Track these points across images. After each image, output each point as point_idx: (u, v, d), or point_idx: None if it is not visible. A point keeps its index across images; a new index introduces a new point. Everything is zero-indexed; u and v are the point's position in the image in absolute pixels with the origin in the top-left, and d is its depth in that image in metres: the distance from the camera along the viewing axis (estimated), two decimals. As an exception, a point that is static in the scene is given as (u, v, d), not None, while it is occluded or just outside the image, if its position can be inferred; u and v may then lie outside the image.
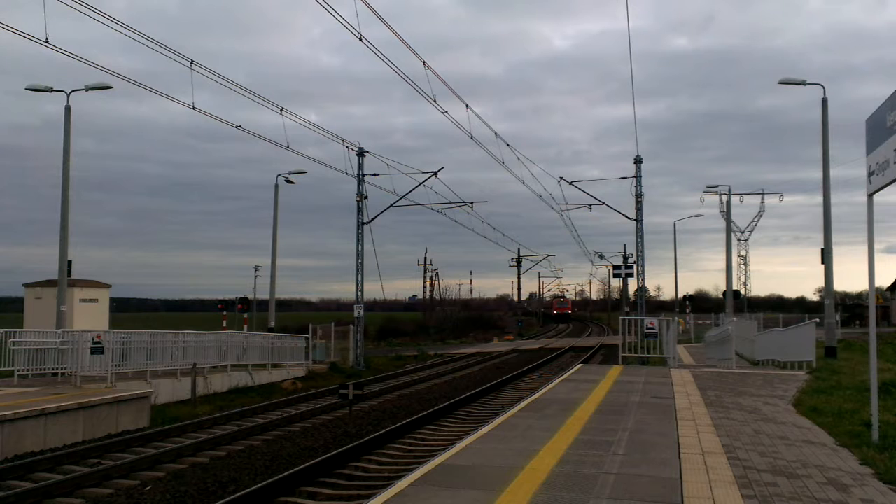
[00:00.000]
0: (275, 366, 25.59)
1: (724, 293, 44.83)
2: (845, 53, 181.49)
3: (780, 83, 25.10)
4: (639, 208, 32.90)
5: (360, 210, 33.03)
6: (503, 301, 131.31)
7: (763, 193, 66.66)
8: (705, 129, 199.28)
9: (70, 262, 21.88)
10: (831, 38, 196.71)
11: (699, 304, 66.35)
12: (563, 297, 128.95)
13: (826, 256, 24.27)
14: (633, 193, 32.75)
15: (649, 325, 21.50)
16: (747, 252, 77.46)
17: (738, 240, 74.12)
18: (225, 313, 38.87)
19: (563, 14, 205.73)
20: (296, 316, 76.74)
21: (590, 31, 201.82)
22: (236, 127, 21.60)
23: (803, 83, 24.68)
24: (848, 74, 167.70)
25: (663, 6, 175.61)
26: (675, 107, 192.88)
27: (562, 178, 33.41)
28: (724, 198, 46.13)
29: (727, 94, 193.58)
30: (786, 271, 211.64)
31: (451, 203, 34.87)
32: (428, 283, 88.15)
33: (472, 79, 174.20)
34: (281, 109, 21.42)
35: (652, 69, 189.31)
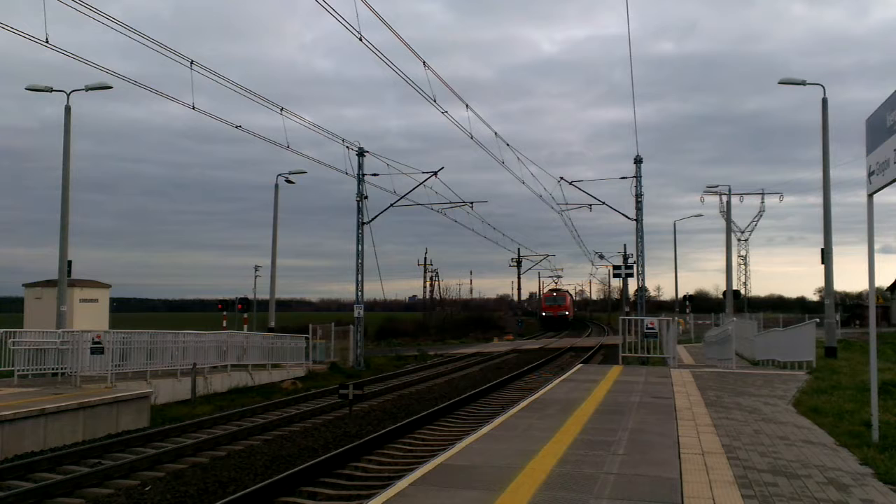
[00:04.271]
0: (275, 366, 25.59)
1: (724, 293, 44.84)
2: (829, 58, 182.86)
3: (780, 83, 25.13)
4: (639, 208, 32.91)
5: (360, 210, 33.02)
6: (503, 301, 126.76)
7: (763, 193, 66.72)
8: (695, 131, 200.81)
9: (70, 262, 21.89)
10: (815, 42, 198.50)
11: (699, 304, 66.33)
12: (559, 291, 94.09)
13: (826, 256, 24.27)
14: (633, 193, 32.77)
15: (649, 325, 21.49)
16: (747, 252, 77.45)
17: (738, 240, 74.09)
18: (225, 313, 38.87)
19: (550, 20, 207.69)
20: (296, 316, 76.69)
21: (576, 37, 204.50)
22: (236, 127, 21.60)
23: (803, 83, 24.71)
24: (832, 79, 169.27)
25: (648, 12, 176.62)
26: (665, 110, 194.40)
27: (562, 178, 33.26)
28: (724, 198, 46.20)
29: (715, 97, 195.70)
30: (784, 271, 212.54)
31: (451, 203, 34.87)
32: (428, 283, 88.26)
33: (464, 82, 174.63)
34: (281, 109, 21.41)
35: (640, 73, 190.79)
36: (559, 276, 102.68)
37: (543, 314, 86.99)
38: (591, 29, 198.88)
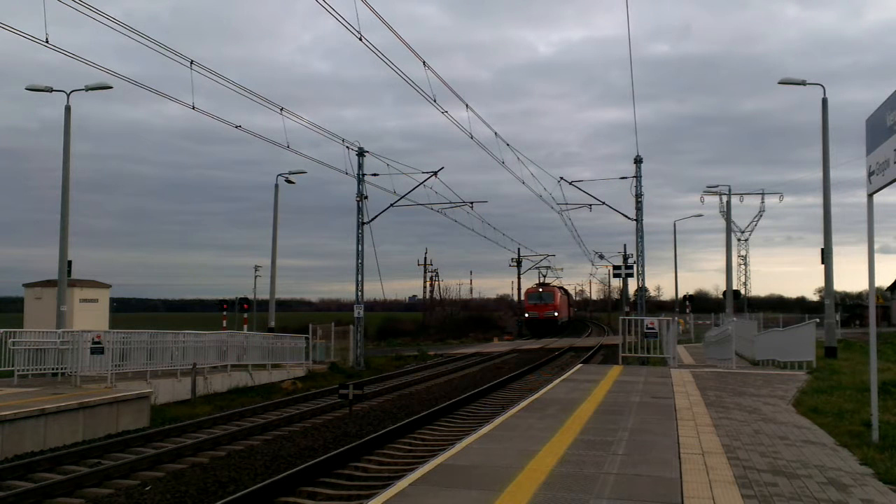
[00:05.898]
0: (275, 366, 25.59)
1: (724, 293, 44.84)
2: (824, 59, 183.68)
3: (780, 83, 25.16)
4: (639, 208, 32.89)
5: (360, 210, 33.02)
6: (503, 301, 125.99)
7: (763, 193, 66.55)
8: (692, 132, 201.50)
9: (70, 262, 21.88)
10: (809, 44, 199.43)
11: (699, 304, 66.29)
12: (546, 286, 74.23)
13: (826, 256, 24.27)
14: (633, 193, 32.76)
15: (649, 325, 21.47)
16: (747, 252, 77.29)
17: (738, 240, 73.96)
18: (225, 314, 38.89)
19: (545, 22, 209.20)
20: (296, 316, 76.73)
21: (572, 39, 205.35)
22: (236, 127, 21.59)
23: (803, 83, 24.73)
24: (828, 80, 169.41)
25: (642, 14, 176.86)
26: (662, 111, 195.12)
27: (562, 178, 33.14)
28: (724, 198, 46.20)
29: (712, 98, 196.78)
30: (783, 271, 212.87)
31: (451, 203, 34.85)
32: (428, 283, 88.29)
33: (461, 83, 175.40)
34: (281, 109, 21.39)
35: (636, 74, 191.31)
36: (549, 268, 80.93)
37: (527, 315, 69.44)
38: (587, 31, 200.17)
